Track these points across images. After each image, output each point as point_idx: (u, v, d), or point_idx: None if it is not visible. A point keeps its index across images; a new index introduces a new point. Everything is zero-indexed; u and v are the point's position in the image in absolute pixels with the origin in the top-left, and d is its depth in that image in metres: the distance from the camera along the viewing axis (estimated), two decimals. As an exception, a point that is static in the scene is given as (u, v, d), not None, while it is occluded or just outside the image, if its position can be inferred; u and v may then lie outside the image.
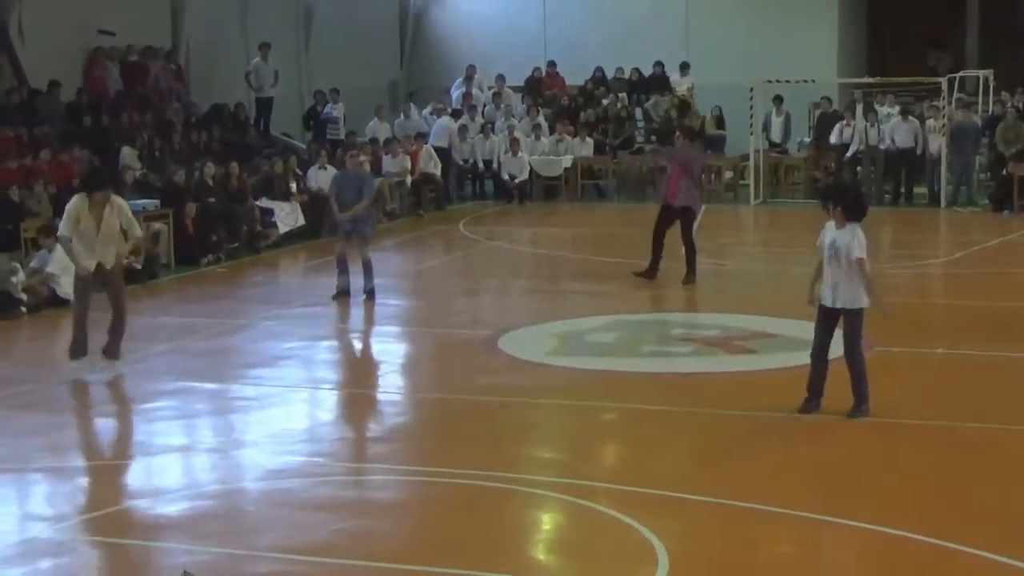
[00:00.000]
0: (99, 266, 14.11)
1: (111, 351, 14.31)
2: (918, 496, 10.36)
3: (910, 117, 28.22)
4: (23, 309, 17.70)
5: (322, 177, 24.96)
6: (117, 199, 14.44)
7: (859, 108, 28.91)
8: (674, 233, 19.29)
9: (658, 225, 19.33)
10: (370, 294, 18.30)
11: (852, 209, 12.04)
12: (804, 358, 12.45)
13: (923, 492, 10.48)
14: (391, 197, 27.09)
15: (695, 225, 19.42)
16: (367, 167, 19.92)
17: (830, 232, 12.06)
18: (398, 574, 8.94)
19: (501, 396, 13.50)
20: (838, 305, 12.03)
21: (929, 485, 10.67)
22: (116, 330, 14.31)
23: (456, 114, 30.89)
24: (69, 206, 14.22)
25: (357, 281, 18.41)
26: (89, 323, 14.30)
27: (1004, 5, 37.13)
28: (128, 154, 23.89)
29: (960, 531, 9.41)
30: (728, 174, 30.38)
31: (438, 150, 28.98)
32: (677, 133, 20.02)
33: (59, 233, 14.41)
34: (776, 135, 30.43)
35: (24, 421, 12.89)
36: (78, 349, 14.31)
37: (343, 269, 18.40)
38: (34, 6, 24.41)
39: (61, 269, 18.13)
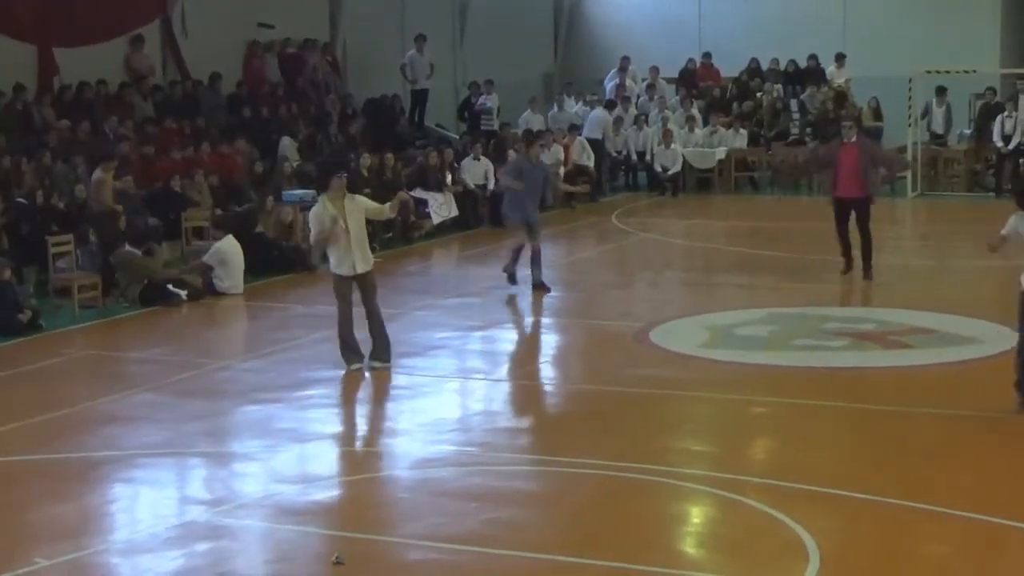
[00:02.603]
0: (356, 275, 14.11)
1: (377, 353, 14.28)
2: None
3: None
4: (183, 297, 18.08)
5: (476, 169, 25.14)
6: (357, 196, 14.42)
7: (1021, 99, 28.24)
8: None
9: (838, 220, 19.03)
10: (543, 284, 18.40)
11: None
12: (961, 354, 12.25)
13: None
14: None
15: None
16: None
17: None
18: (548, 565, 8.98)
19: (652, 388, 13.46)
20: None
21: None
22: (376, 334, 14.25)
23: (610, 105, 30.80)
24: (312, 212, 14.35)
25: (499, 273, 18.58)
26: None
27: None
28: (288, 145, 24.28)
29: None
30: (884, 166, 29.86)
31: (592, 142, 28.95)
32: (849, 123, 19.40)
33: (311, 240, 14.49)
34: (938, 126, 29.84)
35: (184, 407, 13.18)
36: (347, 354, 14.32)
37: (518, 258, 18.49)
38: (196, 0, 24.89)
39: (220, 263, 18.51)
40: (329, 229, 13.84)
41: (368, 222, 14.10)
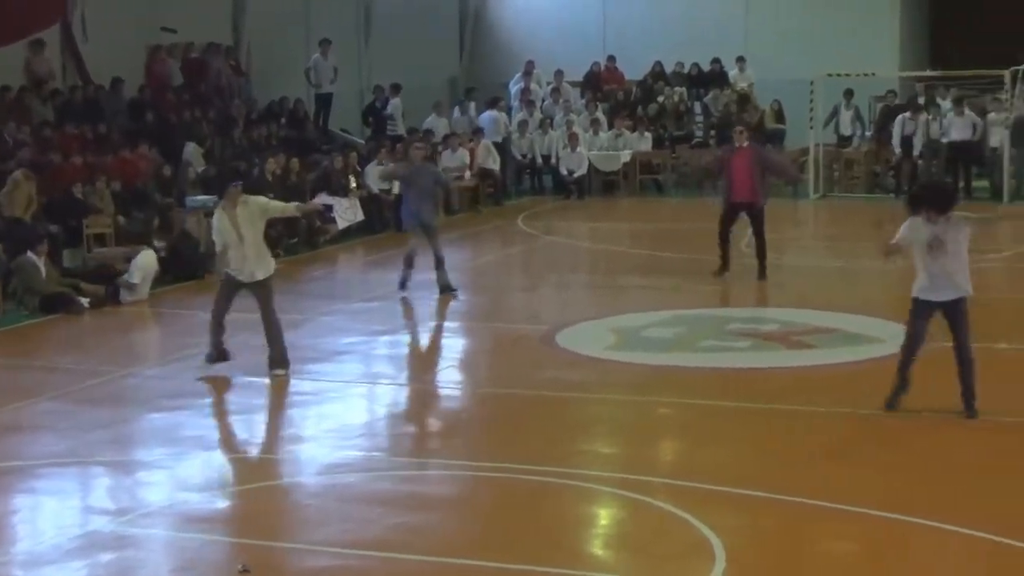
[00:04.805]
0: (252, 282, 14.04)
1: (275, 361, 14.15)
2: (978, 493, 10.26)
3: (965, 110, 27.93)
4: (86, 305, 17.87)
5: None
6: (253, 199, 14.21)
7: (921, 102, 28.67)
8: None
9: (723, 223, 19.19)
10: (450, 288, 18.37)
11: (945, 202, 11.90)
12: (863, 353, 12.43)
13: (984, 489, 10.38)
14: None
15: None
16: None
17: (924, 227, 11.85)
18: (455, 569, 8.97)
19: (559, 391, 13.50)
20: (943, 299, 11.86)
21: (993, 482, 10.55)
22: (272, 341, 14.15)
23: (494, 102, 30.86)
24: (213, 220, 14.29)
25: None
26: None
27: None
28: (193, 151, 24.06)
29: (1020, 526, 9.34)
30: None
31: (495, 145, 29.01)
32: (740, 128, 19.79)
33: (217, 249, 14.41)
34: (846, 128, 30.23)
35: (87, 415, 13.01)
36: (211, 354, 14.28)
37: (411, 264, 18.47)
38: (97, 4, 24.62)
39: (140, 278, 18.33)
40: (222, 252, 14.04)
41: (276, 224, 14.15)
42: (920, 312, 12.01)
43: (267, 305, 14.12)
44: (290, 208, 14.74)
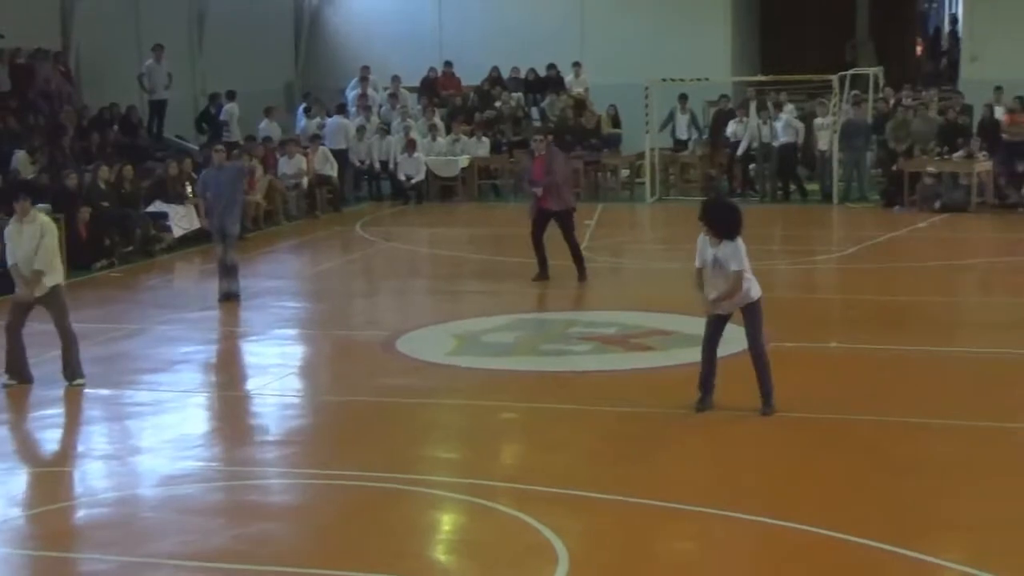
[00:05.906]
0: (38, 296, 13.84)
1: (68, 372, 13.92)
2: (814, 489, 10.49)
3: (783, 115, 28.44)
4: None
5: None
6: (45, 220, 14.02)
7: (752, 106, 29.19)
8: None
9: (533, 229, 19.34)
10: (235, 296, 18.31)
11: (723, 229, 12.14)
12: (699, 354, 12.54)
13: (819, 485, 10.60)
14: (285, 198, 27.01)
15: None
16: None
17: (710, 247, 12.15)
18: (298, 578, 8.91)
19: (400, 397, 13.47)
20: (726, 312, 12.20)
21: (825, 478, 10.78)
22: (67, 351, 13.94)
23: (340, 108, 30.81)
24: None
25: (245, 284, 18.49)
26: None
27: (893, 2, 37.80)
28: (21, 159, 23.50)
29: (855, 523, 9.52)
30: (624, 172, 30.57)
31: (334, 152, 28.85)
32: (540, 137, 20.10)
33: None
34: (682, 132, 30.64)
35: (-86, 431, 12.67)
36: (9, 369, 14.01)
37: (224, 273, 18.30)
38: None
39: None
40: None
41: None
42: (710, 322, 12.38)
43: (56, 319, 13.98)
44: (40, 261, 13.72)
